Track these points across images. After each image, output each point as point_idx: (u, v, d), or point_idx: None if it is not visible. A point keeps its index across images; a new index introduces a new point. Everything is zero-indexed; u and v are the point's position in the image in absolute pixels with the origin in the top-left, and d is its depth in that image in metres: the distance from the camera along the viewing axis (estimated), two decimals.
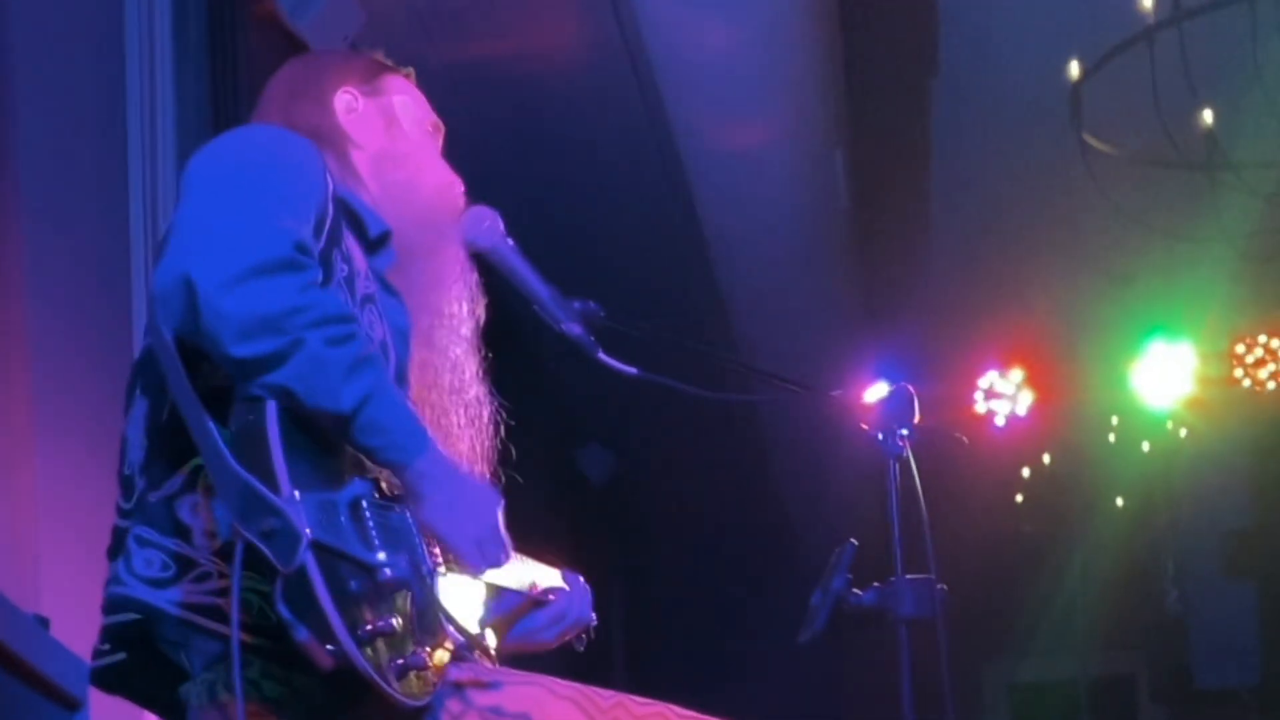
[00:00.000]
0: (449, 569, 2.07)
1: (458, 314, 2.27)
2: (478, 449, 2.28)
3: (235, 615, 1.81)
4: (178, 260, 1.84)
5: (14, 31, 3.33)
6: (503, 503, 2.04)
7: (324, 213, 2.02)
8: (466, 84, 5.43)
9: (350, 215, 2.13)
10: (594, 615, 2.44)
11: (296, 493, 1.80)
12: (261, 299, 1.83)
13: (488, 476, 2.28)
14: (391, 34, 4.73)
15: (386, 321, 2.12)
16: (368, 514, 1.90)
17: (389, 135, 2.28)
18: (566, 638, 2.43)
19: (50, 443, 3.24)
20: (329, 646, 1.78)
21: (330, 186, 2.05)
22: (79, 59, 3.63)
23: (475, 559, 2.00)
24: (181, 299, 1.83)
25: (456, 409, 2.26)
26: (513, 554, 2.24)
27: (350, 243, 2.09)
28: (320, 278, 1.90)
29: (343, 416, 1.86)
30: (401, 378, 2.13)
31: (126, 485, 2.02)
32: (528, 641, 2.41)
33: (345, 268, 2.04)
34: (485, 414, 2.29)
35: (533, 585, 2.37)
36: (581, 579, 2.44)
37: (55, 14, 3.53)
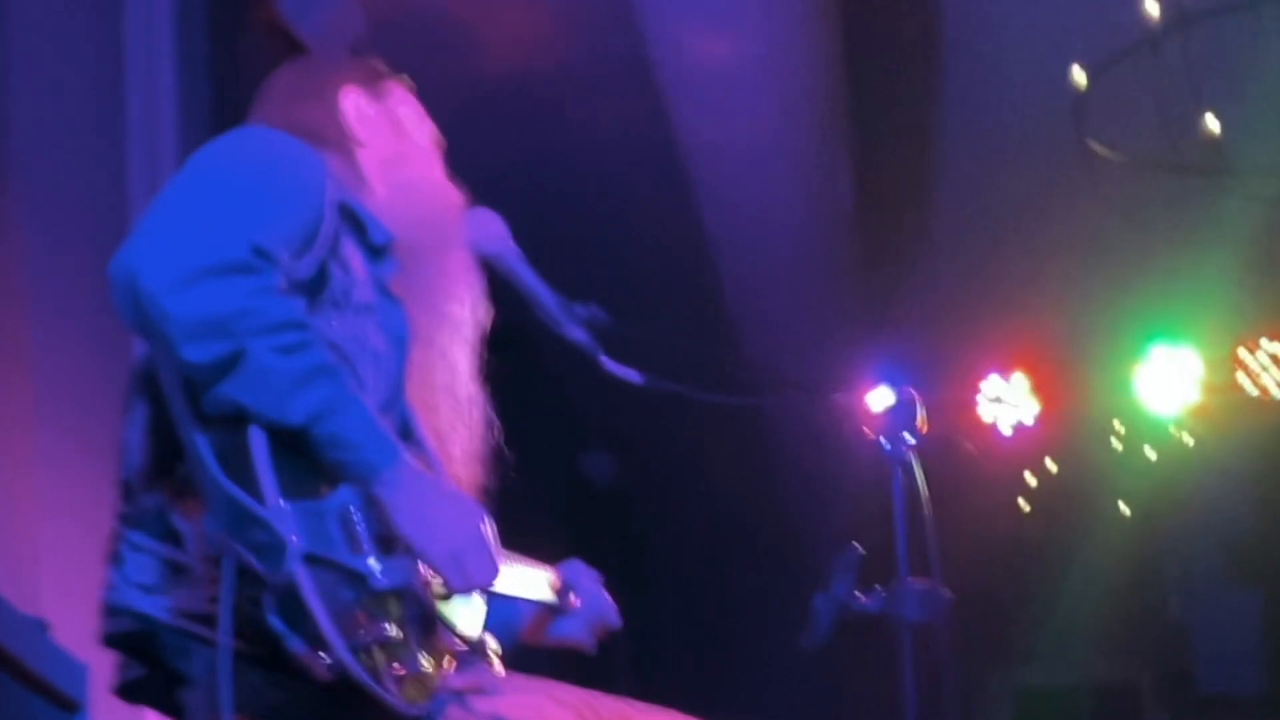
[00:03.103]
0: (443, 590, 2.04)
1: (461, 316, 2.26)
2: (470, 451, 2.26)
3: (225, 627, 1.80)
4: (127, 256, 1.82)
5: (14, 33, 3.33)
6: (487, 517, 1.96)
7: (320, 220, 1.99)
8: (468, 88, 5.43)
9: (353, 221, 2.11)
10: (613, 606, 2.47)
11: (284, 503, 1.79)
12: (209, 301, 1.80)
13: (481, 478, 2.26)
14: (393, 37, 4.73)
15: (385, 330, 2.09)
16: (357, 521, 1.88)
17: (395, 137, 2.27)
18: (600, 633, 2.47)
19: (51, 445, 3.24)
20: (324, 657, 1.77)
21: (330, 193, 2.02)
22: (79, 62, 3.63)
23: (452, 573, 1.91)
24: (126, 296, 1.82)
25: (450, 410, 2.24)
26: (501, 565, 2.24)
27: (350, 251, 2.06)
28: (279, 283, 1.86)
29: (294, 429, 1.82)
30: (399, 387, 2.11)
31: (126, 491, 2.01)
32: (562, 643, 2.44)
33: (344, 277, 2.02)
34: (478, 415, 2.28)
35: (551, 591, 2.37)
36: (585, 567, 2.45)
37: (55, 17, 3.53)
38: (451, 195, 2.30)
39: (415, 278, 2.22)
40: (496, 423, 2.29)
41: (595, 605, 2.45)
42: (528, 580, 2.33)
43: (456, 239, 2.28)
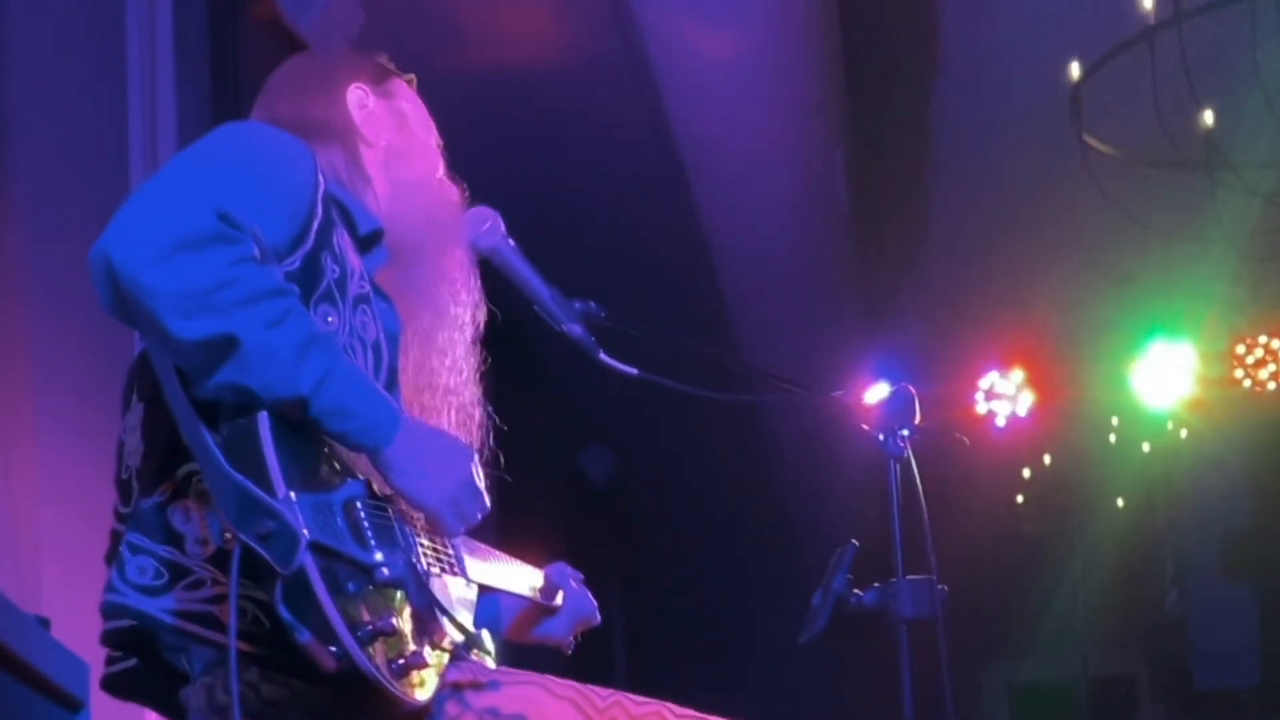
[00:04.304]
0: (437, 553, 2.07)
1: (461, 315, 2.27)
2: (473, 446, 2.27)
3: (233, 621, 1.80)
4: (102, 240, 1.84)
5: (14, 31, 3.33)
6: (474, 453, 2.03)
7: (312, 213, 2.00)
8: (466, 85, 5.43)
9: (343, 213, 2.12)
10: (595, 606, 2.49)
11: (292, 494, 1.79)
12: (189, 273, 1.80)
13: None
14: (392, 34, 4.73)
15: (379, 323, 2.10)
16: (362, 514, 1.89)
17: (399, 134, 2.27)
18: (577, 632, 2.50)
19: (52, 443, 3.24)
20: (332, 648, 1.78)
21: (322, 186, 2.03)
22: (79, 59, 3.63)
23: (452, 520, 1.98)
24: (102, 278, 1.83)
25: (450, 410, 2.25)
26: (493, 561, 2.26)
27: (343, 243, 2.07)
28: (254, 252, 1.86)
29: (303, 400, 1.83)
30: (393, 381, 2.12)
31: (124, 490, 2.01)
32: (544, 641, 2.47)
33: (336, 269, 2.03)
34: (478, 416, 2.29)
35: (537, 589, 2.40)
36: (570, 568, 2.47)
37: (55, 14, 3.53)
38: (452, 195, 2.31)
39: (417, 275, 2.23)
40: (495, 423, 2.30)
41: (579, 605, 2.48)
42: (514, 577, 2.35)
43: (457, 239, 2.28)
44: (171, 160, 1.99)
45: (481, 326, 2.29)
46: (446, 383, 2.24)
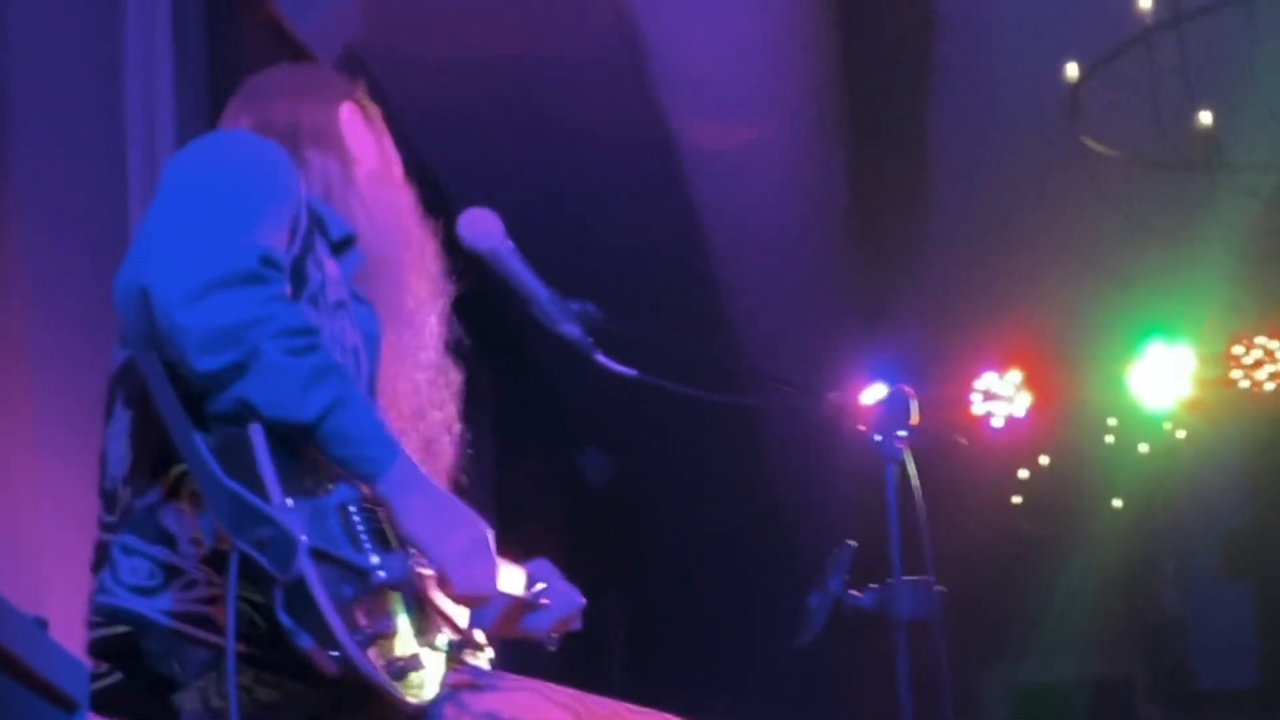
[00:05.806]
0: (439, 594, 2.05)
1: (434, 329, 2.29)
2: (441, 465, 2.28)
3: (231, 627, 1.80)
4: (136, 271, 1.84)
5: (13, 32, 3.33)
6: (490, 530, 1.98)
7: (298, 220, 2.02)
8: (463, 86, 5.43)
9: (317, 219, 2.14)
10: (582, 602, 2.49)
11: (289, 500, 1.80)
12: (222, 311, 1.81)
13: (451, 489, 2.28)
14: (390, 37, 4.74)
15: (358, 328, 2.12)
16: (356, 518, 1.89)
17: (380, 157, 2.32)
18: (563, 631, 2.49)
19: (51, 443, 3.24)
20: (332, 652, 1.78)
21: (304, 194, 2.06)
22: (79, 61, 3.63)
23: (460, 576, 1.93)
24: (138, 311, 1.83)
25: (424, 419, 2.26)
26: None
27: (322, 249, 2.10)
28: (286, 290, 1.88)
29: (307, 426, 1.84)
30: (372, 385, 2.14)
31: (108, 498, 2.02)
32: (526, 636, 2.46)
33: (318, 275, 2.05)
34: (454, 430, 2.30)
35: (526, 588, 2.40)
36: (550, 565, 2.47)
37: (55, 15, 3.53)
38: (422, 222, 2.33)
39: (392, 293, 2.26)
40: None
41: (565, 603, 2.47)
42: (504, 576, 2.35)
43: (427, 263, 2.31)
44: (181, 178, 1.99)
45: (452, 343, 2.32)
46: (423, 395, 2.26)
